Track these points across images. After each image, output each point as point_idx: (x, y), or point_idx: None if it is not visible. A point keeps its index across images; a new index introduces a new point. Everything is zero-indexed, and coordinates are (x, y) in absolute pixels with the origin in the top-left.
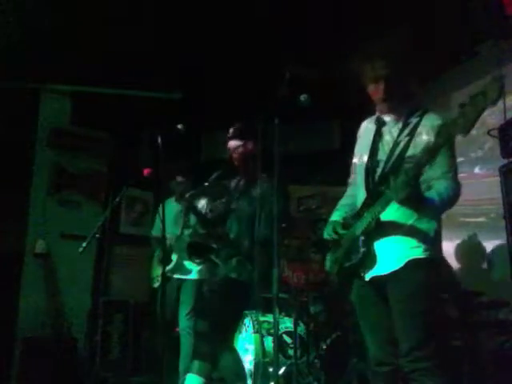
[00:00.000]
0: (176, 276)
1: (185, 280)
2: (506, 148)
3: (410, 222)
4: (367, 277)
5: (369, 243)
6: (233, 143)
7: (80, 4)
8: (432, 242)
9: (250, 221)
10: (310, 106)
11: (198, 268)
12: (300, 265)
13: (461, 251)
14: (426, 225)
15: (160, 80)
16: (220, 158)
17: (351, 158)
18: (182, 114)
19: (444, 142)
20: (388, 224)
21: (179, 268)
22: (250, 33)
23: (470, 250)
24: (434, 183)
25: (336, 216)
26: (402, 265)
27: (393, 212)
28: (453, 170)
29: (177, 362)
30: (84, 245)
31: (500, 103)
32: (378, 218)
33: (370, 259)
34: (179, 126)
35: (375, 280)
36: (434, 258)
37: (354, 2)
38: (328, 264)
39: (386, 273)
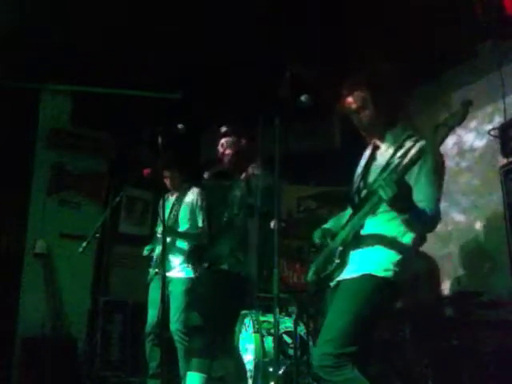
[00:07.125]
0: (163, 273)
1: (172, 278)
2: (506, 148)
3: (390, 234)
4: (332, 284)
5: (344, 254)
6: (224, 140)
7: (80, 3)
8: (398, 263)
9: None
10: (310, 105)
11: (186, 265)
12: (300, 265)
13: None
14: (400, 240)
15: (160, 80)
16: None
17: (351, 159)
18: (182, 113)
19: (422, 153)
20: (363, 237)
21: (166, 264)
22: (251, 32)
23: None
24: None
25: (328, 225)
26: (357, 275)
27: (369, 226)
28: (435, 196)
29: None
30: (84, 245)
31: (501, 103)
32: (357, 231)
33: (341, 270)
34: (179, 126)
35: (336, 286)
36: (392, 279)
37: (354, 2)
38: (309, 274)
39: (341, 278)
